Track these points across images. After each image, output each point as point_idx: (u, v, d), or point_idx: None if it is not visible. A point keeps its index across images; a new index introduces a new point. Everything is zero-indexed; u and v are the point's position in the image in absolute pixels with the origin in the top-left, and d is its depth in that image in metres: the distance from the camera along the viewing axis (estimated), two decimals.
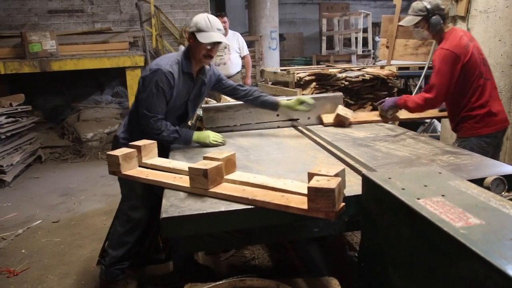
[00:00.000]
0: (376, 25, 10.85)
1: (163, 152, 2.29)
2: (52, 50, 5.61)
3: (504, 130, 2.63)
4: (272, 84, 4.08)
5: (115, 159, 1.85)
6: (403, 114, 2.86)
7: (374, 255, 1.32)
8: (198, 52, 2.32)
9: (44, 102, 7.03)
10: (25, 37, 5.49)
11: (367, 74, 3.49)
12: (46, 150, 6.11)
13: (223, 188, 1.59)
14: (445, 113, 2.85)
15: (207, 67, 2.51)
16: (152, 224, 2.71)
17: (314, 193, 1.31)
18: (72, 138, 6.38)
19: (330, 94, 3.07)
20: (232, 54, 5.51)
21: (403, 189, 1.18)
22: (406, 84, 6.97)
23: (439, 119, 4.91)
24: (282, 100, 2.66)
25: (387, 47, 5.14)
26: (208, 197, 1.55)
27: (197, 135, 2.39)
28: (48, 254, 3.17)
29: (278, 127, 2.84)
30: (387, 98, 2.84)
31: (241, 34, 5.77)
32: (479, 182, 1.36)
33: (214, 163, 1.61)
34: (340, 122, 2.76)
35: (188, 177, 1.63)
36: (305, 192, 1.35)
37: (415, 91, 4.66)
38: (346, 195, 1.45)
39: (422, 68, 4.57)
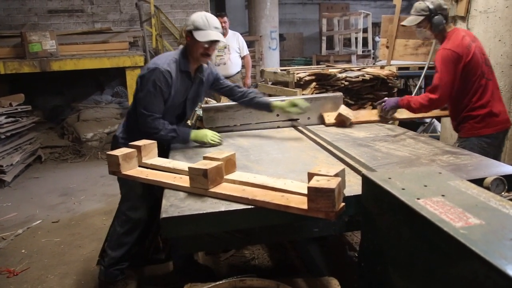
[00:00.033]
0: (376, 25, 10.84)
1: (163, 152, 2.29)
2: (52, 50, 5.61)
3: (505, 130, 2.63)
4: (272, 84, 4.08)
5: (115, 159, 1.85)
6: (404, 114, 2.86)
7: (374, 255, 1.32)
8: (195, 51, 2.31)
9: (44, 102, 7.03)
10: (25, 37, 5.49)
11: (367, 74, 3.49)
12: (46, 150, 6.11)
13: (223, 188, 1.59)
14: (447, 112, 2.84)
15: (205, 65, 2.50)
16: (152, 224, 2.71)
17: (314, 193, 1.31)
18: (72, 138, 6.38)
19: (330, 94, 3.07)
20: (232, 54, 5.51)
21: (403, 189, 1.18)
22: (406, 84, 6.98)
23: (439, 119, 4.92)
24: (276, 101, 2.65)
25: (387, 47, 5.14)
26: (208, 197, 1.55)
27: (195, 133, 2.39)
28: (48, 254, 3.17)
29: (278, 127, 2.84)
30: (387, 98, 2.83)
31: (241, 34, 5.77)
32: (479, 182, 1.36)
33: (214, 163, 1.61)
34: (342, 122, 2.77)
35: (188, 177, 1.63)
36: (305, 192, 1.35)
37: (415, 91, 4.65)
38: (346, 195, 1.45)
39: (422, 68, 4.56)
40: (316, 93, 3.30)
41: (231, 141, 2.52)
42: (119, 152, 1.87)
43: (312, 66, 5.22)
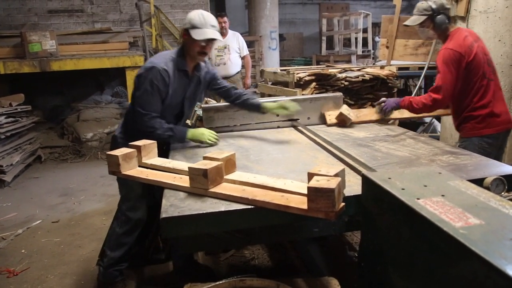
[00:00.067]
0: (376, 25, 10.85)
1: (163, 152, 2.29)
2: (52, 50, 5.61)
3: (507, 131, 2.61)
4: (272, 84, 4.08)
5: (115, 159, 1.85)
6: (405, 113, 2.86)
7: (374, 255, 1.32)
8: (192, 49, 2.30)
9: (44, 102, 7.03)
10: (25, 37, 5.49)
11: (367, 74, 3.49)
12: (45, 150, 6.11)
13: (223, 188, 1.59)
14: (449, 111, 2.83)
15: (202, 64, 2.50)
16: (152, 224, 2.71)
17: (314, 193, 1.31)
18: (72, 138, 6.38)
19: (330, 94, 3.07)
20: (232, 54, 5.51)
21: (403, 189, 1.18)
22: (406, 84, 6.98)
23: (438, 119, 4.92)
24: (266, 102, 2.62)
25: (387, 47, 5.13)
26: (208, 197, 1.55)
27: (192, 132, 2.38)
28: (48, 254, 3.17)
29: (278, 127, 2.84)
30: (387, 98, 2.83)
31: (241, 34, 5.77)
32: (479, 182, 1.36)
33: (214, 163, 1.61)
34: (342, 121, 2.77)
35: (188, 177, 1.63)
36: (305, 192, 1.35)
37: (415, 91, 4.66)
38: (346, 195, 1.45)
39: (422, 68, 4.57)
40: (316, 93, 3.30)
41: (231, 141, 2.52)
42: (119, 152, 1.87)
43: (312, 66, 5.22)
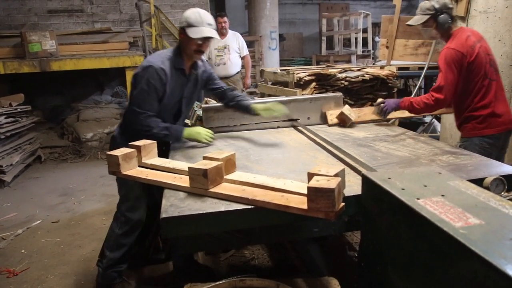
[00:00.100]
0: (376, 25, 10.85)
1: (163, 153, 2.29)
2: (52, 50, 5.61)
3: (509, 131, 2.60)
4: (272, 84, 4.08)
5: (115, 159, 1.85)
6: (407, 113, 2.85)
7: (374, 255, 1.32)
8: (189, 48, 2.30)
9: (44, 102, 7.03)
10: (24, 37, 5.49)
11: (367, 74, 3.49)
12: (45, 150, 6.11)
13: (223, 188, 1.59)
14: (451, 110, 2.83)
15: (199, 62, 2.49)
16: (152, 224, 2.71)
17: (314, 193, 1.31)
18: (72, 138, 6.38)
19: (330, 94, 3.07)
20: (232, 54, 5.51)
21: (402, 189, 1.18)
22: (406, 84, 6.98)
23: (438, 119, 4.92)
24: (256, 103, 2.58)
25: (387, 47, 5.13)
26: (208, 197, 1.56)
27: (188, 131, 2.36)
28: (48, 254, 3.17)
29: (278, 127, 2.84)
30: (385, 99, 2.80)
31: (241, 34, 5.78)
32: (478, 182, 1.36)
33: (214, 163, 1.61)
34: (343, 121, 2.78)
35: (188, 177, 1.63)
36: (305, 192, 1.36)
37: (415, 91, 4.66)
38: (346, 195, 1.45)
39: (421, 68, 4.57)
40: (316, 93, 3.31)
41: (231, 141, 2.52)
42: (119, 152, 1.87)
43: (312, 66, 5.22)
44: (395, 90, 3.65)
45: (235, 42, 5.55)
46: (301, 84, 3.43)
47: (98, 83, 7.54)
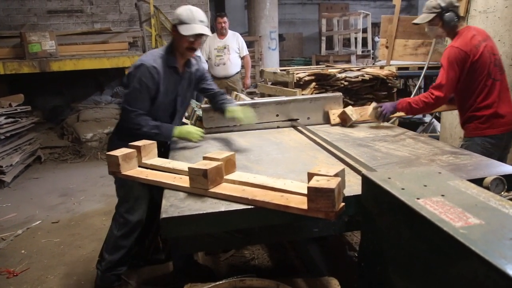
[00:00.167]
0: (375, 25, 10.86)
1: (162, 154, 2.28)
2: (52, 50, 5.61)
3: (511, 132, 2.58)
4: (271, 84, 4.09)
5: (114, 159, 1.85)
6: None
7: (374, 255, 1.32)
8: (181, 45, 2.28)
9: (44, 102, 7.03)
10: (24, 37, 5.49)
11: (367, 74, 3.49)
12: (45, 151, 6.11)
13: (223, 188, 1.59)
14: (455, 106, 2.82)
15: (193, 60, 2.48)
16: (152, 224, 2.70)
17: (314, 193, 1.31)
18: (72, 139, 6.38)
19: (330, 94, 3.07)
20: (231, 55, 5.51)
21: (402, 189, 1.18)
22: (406, 84, 6.98)
23: (438, 119, 4.92)
24: (232, 105, 2.53)
25: (387, 47, 5.14)
26: (208, 197, 1.55)
27: (178, 130, 2.34)
28: (48, 254, 3.16)
29: (278, 127, 2.84)
30: (383, 103, 2.75)
31: (240, 34, 5.78)
32: (478, 182, 1.36)
33: (214, 163, 1.61)
34: (343, 120, 2.78)
35: (188, 177, 1.63)
36: (305, 192, 1.36)
37: (414, 91, 4.66)
38: (346, 195, 1.45)
39: (421, 68, 4.57)
40: (315, 93, 3.31)
41: (231, 141, 2.52)
42: (119, 152, 1.87)
43: (311, 66, 5.23)
44: (395, 90, 3.65)
45: (235, 42, 5.55)
46: (301, 84, 3.44)
47: (98, 83, 7.54)
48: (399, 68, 4.75)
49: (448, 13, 2.51)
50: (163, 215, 1.43)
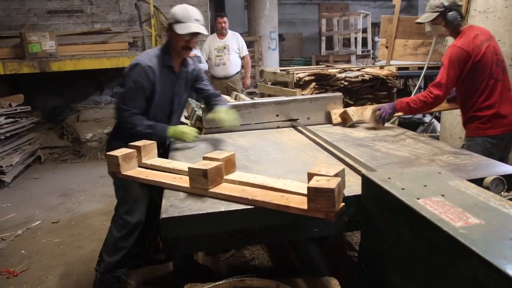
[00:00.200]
0: (375, 25, 10.86)
1: (161, 155, 2.28)
2: (52, 51, 5.61)
3: None
4: (271, 84, 4.09)
5: (114, 160, 1.85)
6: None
7: (374, 255, 1.32)
8: (177, 44, 2.28)
9: (44, 102, 7.03)
10: (24, 37, 5.49)
11: (367, 74, 3.49)
12: (45, 151, 6.11)
13: (223, 188, 1.59)
14: (455, 106, 2.81)
15: (189, 60, 2.47)
16: (152, 224, 2.70)
17: (314, 193, 1.31)
18: (72, 139, 6.38)
19: (330, 94, 3.07)
20: (231, 55, 5.51)
21: (402, 189, 1.18)
22: (406, 84, 6.98)
23: (438, 119, 4.92)
24: (218, 106, 2.52)
25: (387, 47, 5.15)
26: (208, 197, 1.55)
27: (173, 130, 2.32)
28: (48, 254, 3.16)
29: (278, 127, 2.84)
30: (381, 105, 2.72)
31: (240, 34, 5.78)
32: (478, 182, 1.36)
33: (214, 163, 1.61)
34: (344, 120, 2.78)
35: (188, 177, 1.63)
36: (305, 192, 1.36)
37: (414, 91, 4.66)
38: (346, 195, 1.45)
39: (421, 68, 4.57)
40: (315, 93, 3.31)
41: (231, 141, 2.51)
42: (119, 152, 1.87)
43: (311, 66, 5.23)
44: (395, 90, 3.65)
45: (235, 42, 5.56)
46: (301, 84, 3.44)
47: (98, 83, 7.54)
48: (399, 68, 4.76)
49: (451, 12, 2.50)
50: (163, 215, 1.43)
